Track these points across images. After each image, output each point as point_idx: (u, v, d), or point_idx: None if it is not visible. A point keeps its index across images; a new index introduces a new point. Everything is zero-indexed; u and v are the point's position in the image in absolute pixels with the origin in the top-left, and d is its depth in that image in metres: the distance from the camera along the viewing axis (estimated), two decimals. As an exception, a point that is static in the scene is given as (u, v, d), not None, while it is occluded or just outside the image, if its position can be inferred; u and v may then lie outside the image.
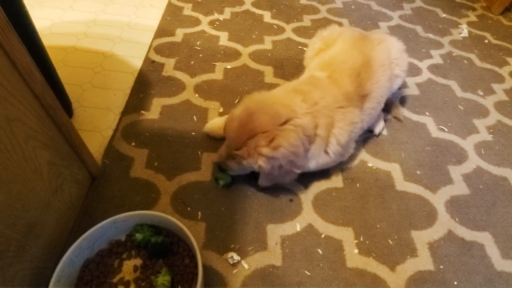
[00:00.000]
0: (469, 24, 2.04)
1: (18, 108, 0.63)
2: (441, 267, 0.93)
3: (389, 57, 1.18)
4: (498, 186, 1.16)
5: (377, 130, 1.25)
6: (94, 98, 1.28)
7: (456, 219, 1.04)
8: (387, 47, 1.19)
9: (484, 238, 1.01)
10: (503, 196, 1.13)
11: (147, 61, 1.45)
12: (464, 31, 1.95)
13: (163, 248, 0.82)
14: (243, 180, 1.05)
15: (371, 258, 0.93)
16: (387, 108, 1.34)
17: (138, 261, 0.83)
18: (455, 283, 0.90)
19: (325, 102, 0.97)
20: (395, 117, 1.35)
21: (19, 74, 0.62)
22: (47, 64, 1.03)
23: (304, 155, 0.92)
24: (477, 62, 1.73)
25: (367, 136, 1.25)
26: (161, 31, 1.63)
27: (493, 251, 0.98)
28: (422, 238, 0.99)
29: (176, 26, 1.67)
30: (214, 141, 1.16)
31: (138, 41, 1.57)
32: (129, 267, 0.82)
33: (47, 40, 1.47)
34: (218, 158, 1.00)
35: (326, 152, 1.00)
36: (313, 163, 1.00)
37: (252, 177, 1.02)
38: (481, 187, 1.15)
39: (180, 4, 1.83)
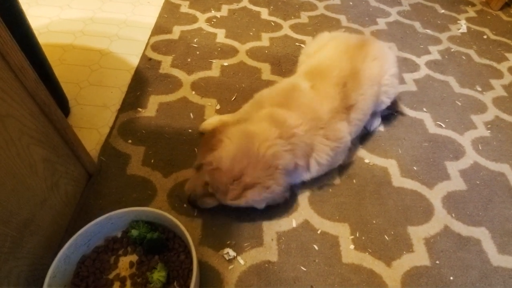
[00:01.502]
0: (468, 19, 2.02)
1: (10, 105, 0.63)
2: (437, 262, 0.93)
3: (379, 78, 1.12)
4: (495, 181, 1.15)
5: (372, 127, 1.25)
6: (91, 95, 1.28)
7: (453, 214, 1.04)
8: (381, 68, 1.13)
9: (481, 234, 1.00)
10: (500, 191, 1.12)
11: (144, 58, 1.45)
12: (462, 26, 1.94)
13: (159, 244, 0.82)
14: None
15: (367, 253, 0.93)
16: (390, 105, 1.33)
17: (134, 257, 0.83)
18: (451, 278, 0.90)
19: (302, 131, 0.93)
20: (397, 112, 1.34)
21: (11, 70, 0.62)
22: (42, 62, 1.03)
23: (287, 182, 0.94)
24: (476, 57, 1.72)
25: (363, 133, 1.24)
26: (158, 29, 1.62)
27: (489, 246, 0.98)
28: (418, 233, 0.99)
29: (173, 24, 1.67)
30: (211, 138, 1.16)
31: (135, 38, 1.57)
32: (125, 263, 0.82)
33: (44, 39, 1.49)
34: (190, 193, 0.93)
35: (309, 172, 0.99)
36: (297, 181, 1.01)
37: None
38: (478, 182, 1.14)
39: (177, 1, 1.83)
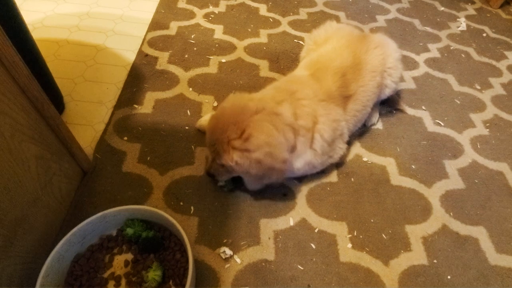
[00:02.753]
0: (468, 17, 2.01)
1: (2, 100, 0.61)
2: (435, 261, 0.92)
3: (383, 65, 1.13)
4: (494, 180, 1.15)
5: (369, 122, 1.24)
6: (86, 92, 1.26)
7: (451, 213, 1.04)
8: (383, 54, 1.14)
9: (479, 233, 1.00)
10: (498, 190, 1.12)
11: (141, 54, 1.43)
12: (462, 24, 1.93)
13: (154, 242, 0.81)
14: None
15: (365, 252, 0.92)
16: (390, 102, 1.33)
17: (129, 256, 0.82)
18: (449, 277, 0.90)
19: (303, 94, 0.94)
20: (397, 109, 1.34)
21: (2, 65, 0.61)
22: (36, 57, 1.01)
23: (285, 144, 0.86)
24: (475, 56, 1.71)
25: (362, 131, 1.24)
26: (155, 24, 1.60)
27: (487, 245, 0.97)
28: (416, 232, 0.98)
29: (170, 19, 1.64)
30: (208, 135, 1.15)
31: (132, 34, 1.55)
32: (120, 262, 0.81)
33: (39, 34, 1.47)
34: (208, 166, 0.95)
35: (313, 149, 0.96)
36: (301, 162, 0.95)
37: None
38: (476, 181, 1.14)
39: (175, -4, 1.81)
